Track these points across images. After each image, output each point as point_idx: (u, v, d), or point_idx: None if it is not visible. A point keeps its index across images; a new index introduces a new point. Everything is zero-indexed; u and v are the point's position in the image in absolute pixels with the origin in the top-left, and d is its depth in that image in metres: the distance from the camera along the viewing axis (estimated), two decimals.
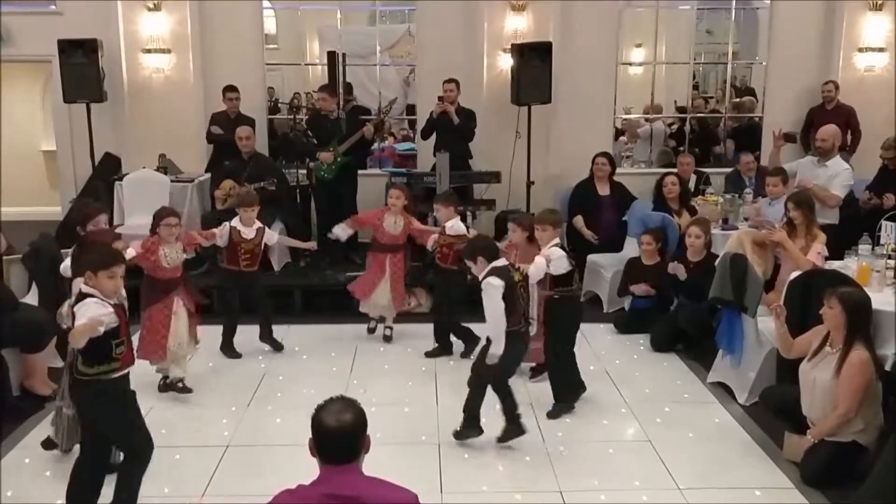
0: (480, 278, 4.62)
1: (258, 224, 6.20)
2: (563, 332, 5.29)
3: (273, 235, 6.46)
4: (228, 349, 6.25)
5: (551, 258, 5.06)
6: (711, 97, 11.33)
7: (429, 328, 6.40)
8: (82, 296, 3.62)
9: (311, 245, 6.91)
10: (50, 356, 5.55)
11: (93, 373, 3.60)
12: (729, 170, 8.74)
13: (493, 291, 4.50)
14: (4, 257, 6.23)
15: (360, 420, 2.50)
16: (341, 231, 6.64)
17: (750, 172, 8.16)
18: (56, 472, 4.37)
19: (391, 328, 6.64)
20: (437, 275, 6.45)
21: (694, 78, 10.34)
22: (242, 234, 6.11)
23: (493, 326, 4.54)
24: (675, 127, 10.70)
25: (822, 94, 8.79)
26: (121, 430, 3.78)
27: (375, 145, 10.04)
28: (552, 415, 5.16)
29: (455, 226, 6.26)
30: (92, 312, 3.50)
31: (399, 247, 6.49)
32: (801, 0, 9.08)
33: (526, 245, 5.52)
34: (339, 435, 2.45)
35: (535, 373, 5.76)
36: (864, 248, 5.65)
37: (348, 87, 9.57)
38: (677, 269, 6.42)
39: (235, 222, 6.13)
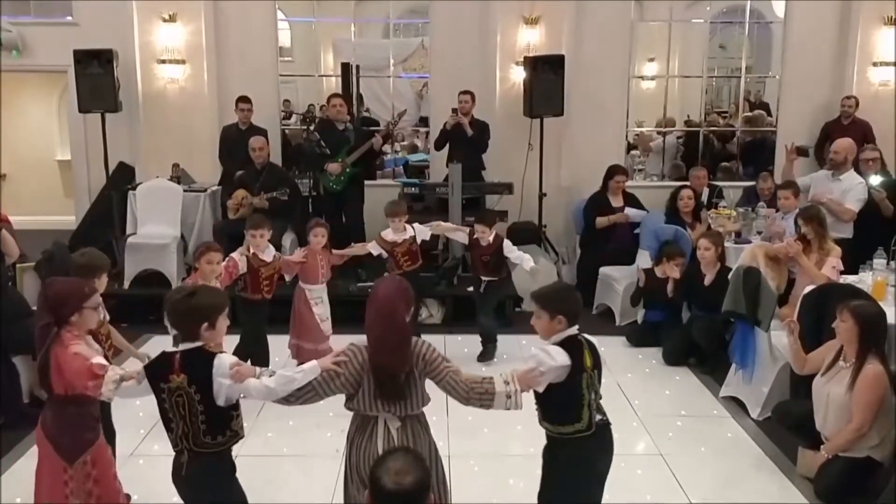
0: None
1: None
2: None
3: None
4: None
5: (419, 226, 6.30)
6: (725, 112, 11.31)
7: (439, 339, 6.37)
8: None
9: None
10: None
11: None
12: (742, 183, 8.71)
13: None
14: (18, 265, 6.27)
15: (421, 484, 2.33)
16: None
17: (767, 194, 7.93)
18: None
19: None
20: (245, 307, 5.63)
21: (706, 93, 10.33)
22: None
23: None
24: (681, 140, 10.68)
25: (840, 109, 8.72)
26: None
27: (388, 157, 10.08)
28: None
29: (268, 252, 5.72)
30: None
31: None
32: (815, 14, 9.07)
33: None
34: (396, 500, 2.31)
35: None
36: (879, 262, 5.62)
37: (360, 99, 9.60)
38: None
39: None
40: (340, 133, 7.99)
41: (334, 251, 6.13)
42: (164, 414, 3.17)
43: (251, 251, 5.55)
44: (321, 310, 5.97)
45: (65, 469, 3.45)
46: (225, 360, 3.14)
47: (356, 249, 6.36)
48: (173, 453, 3.28)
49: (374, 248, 6.32)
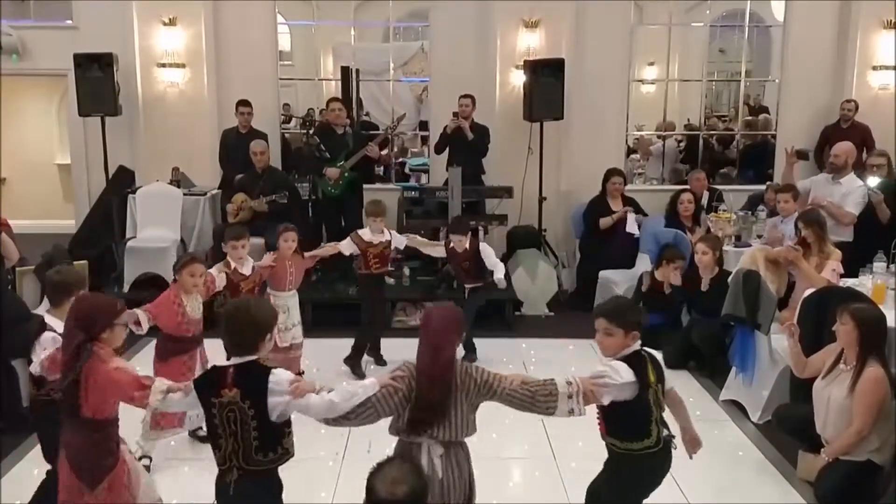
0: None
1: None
2: None
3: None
4: None
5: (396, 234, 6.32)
6: (725, 116, 11.31)
7: None
8: None
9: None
10: None
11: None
12: (743, 187, 8.70)
13: None
14: (17, 269, 6.26)
15: (415, 494, 2.29)
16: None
17: (774, 205, 7.88)
18: None
19: None
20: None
21: (706, 97, 10.34)
22: None
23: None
24: (683, 144, 10.70)
25: (840, 112, 8.74)
26: None
27: (392, 160, 10.09)
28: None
29: (247, 265, 5.55)
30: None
31: (201, 337, 4.85)
32: (815, 18, 9.08)
33: None
34: None
35: None
36: (879, 265, 5.61)
37: (359, 103, 9.61)
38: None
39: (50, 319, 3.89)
40: (340, 137, 8.00)
41: (306, 254, 5.95)
42: (213, 430, 3.04)
43: (231, 267, 5.37)
44: (281, 319, 5.57)
45: (83, 494, 3.30)
46: (282, 375, 3.00)
47: (327, 249, 6.21)
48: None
49: (346, 248, 6.13)
